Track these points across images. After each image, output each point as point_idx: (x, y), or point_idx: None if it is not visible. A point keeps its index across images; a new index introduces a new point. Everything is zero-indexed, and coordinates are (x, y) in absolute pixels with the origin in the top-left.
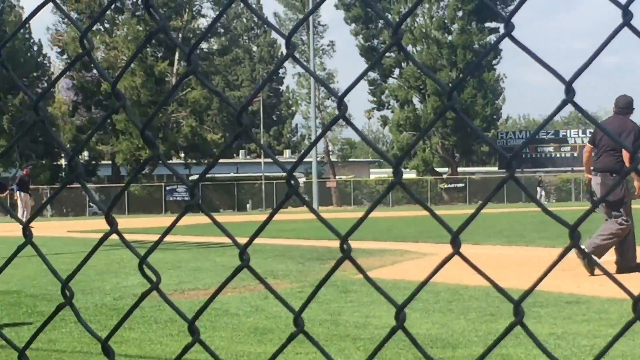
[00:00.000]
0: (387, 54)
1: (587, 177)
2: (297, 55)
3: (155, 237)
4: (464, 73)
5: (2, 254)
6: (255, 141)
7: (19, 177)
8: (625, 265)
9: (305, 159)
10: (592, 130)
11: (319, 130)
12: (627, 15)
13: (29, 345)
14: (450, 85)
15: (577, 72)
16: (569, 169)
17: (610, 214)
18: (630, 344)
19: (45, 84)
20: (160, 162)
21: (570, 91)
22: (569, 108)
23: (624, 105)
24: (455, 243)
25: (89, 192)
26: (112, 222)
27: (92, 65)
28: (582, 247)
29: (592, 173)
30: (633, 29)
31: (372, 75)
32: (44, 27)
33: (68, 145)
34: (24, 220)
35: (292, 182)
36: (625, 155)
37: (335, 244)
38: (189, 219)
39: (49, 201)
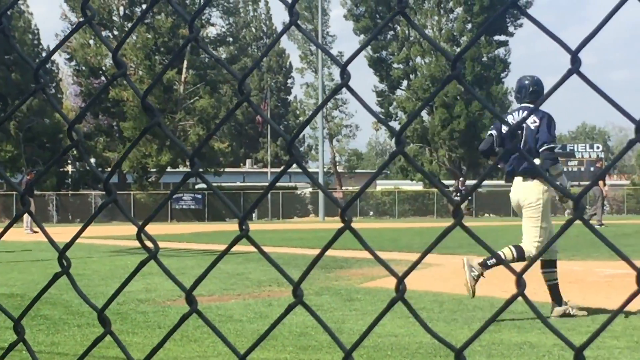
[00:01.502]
0: (396, 66)
1: None
2: (305, 66)
3: (161, 244)
4: (471, 41)
5: (6, 257)
6: (256, 110)
7: (25, 182)
8: None
9: (312, 169)
10: (599, 145)
11: (327, 141)
12: None
13: (24, 316)
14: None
15: (584, 41)
16: (576, 183)
17: None
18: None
19: (54, 90)
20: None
21: (576, 61)
22: (577, 122)
23: None
24: (457, 214)
25: (87, 160)
26: (110, 191)
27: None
28: None
29: None
30: None
31: (380, 86)
32: (53, 33)
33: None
34: (29, 225)
35: (294, 151)
36: None
37: (340, 253)
38: (194, 227)
39: (42, 175)
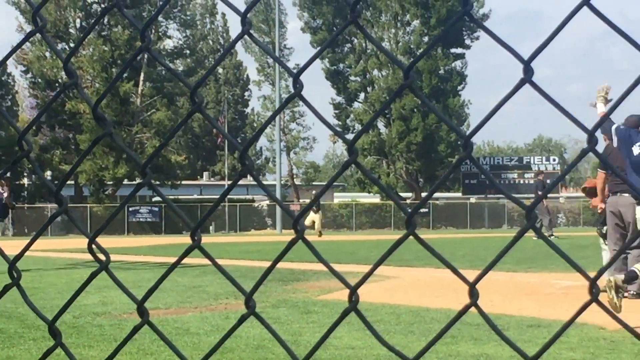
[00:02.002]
0: (353, 78)
1: (600, 207)
2: (262, 78)
3: (118, 257)
4: (426, 49)
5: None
6: (209, 119)
7: None
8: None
9: (270, 182)
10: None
11: (284, 154)
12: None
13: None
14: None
15: (536, 51)
16: (532, 195)
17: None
18: None
19: (10, 103)
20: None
21: (528, 70)
22: (533, 135)
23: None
24: (410, 223)
25: (38, 171)
26: (61, 202)
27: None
28: (632, 292)
29: (613, 195)
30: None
31: (338, 99)
32: (9, 45)
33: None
34: None
35: (246, 162)
36: None
37: (298, 265)
38: (151, 240)
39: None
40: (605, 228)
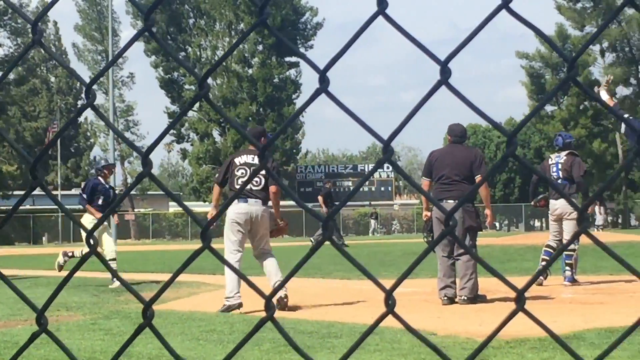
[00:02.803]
0: (187, 87)
1: (425, 215)
2: (95, 87)
3: None
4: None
5: None
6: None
7: None
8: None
9: None
10: (389, 166)
11: (118, 163)
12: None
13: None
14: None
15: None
16: (367, 203)
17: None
18: None
19: None
20: None
21: (446, 72)
22: (367, 143)
23: (461, 134)
24: (326, 227)
25: None
26: None
27: None
28: (463, 297)
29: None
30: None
31: (172, 107)
32: None
33: None
34: None
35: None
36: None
37: (134, 276)
38: None
39: None
40: (432, 235)
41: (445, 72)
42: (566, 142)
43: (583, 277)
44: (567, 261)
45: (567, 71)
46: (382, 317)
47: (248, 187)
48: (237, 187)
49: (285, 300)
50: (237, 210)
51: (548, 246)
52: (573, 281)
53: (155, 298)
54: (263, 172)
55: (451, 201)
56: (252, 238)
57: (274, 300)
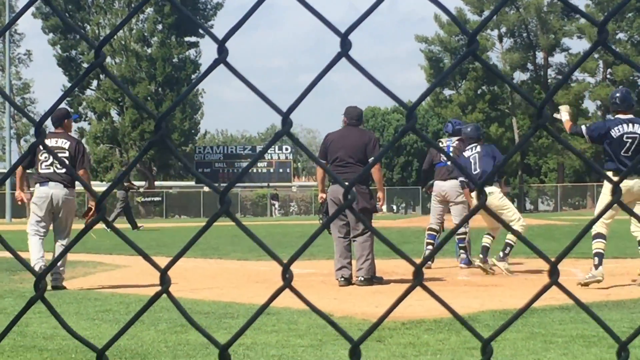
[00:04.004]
0: (85, 66)
1: (321, 197)
2: None
3: None
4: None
5: None
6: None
7: None
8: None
9: (0, 170)
10: (288, 147)
11: (14, 142)
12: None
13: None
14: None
15: (353, 25)
16: (265, 184)
17: (359, 227)
18: None
19: None
20: None
21: (346, 44)
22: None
23: (357, 117)
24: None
25: None
26: None
27: None
28: (360, 278)
29: (333, 185)
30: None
31: (69, 85)
32: None
33: None
34: None
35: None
36: (375, 166)
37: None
38: None
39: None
40: (326, 217)
41: (346, 45)
42: (456, 128)
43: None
44: (460, 245)
45: (467, 46)
46: (279, 291)
47: (51, 170)
48: (42, 171)
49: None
50: (38, 194)
51: (431, 229)
52: (469, 263)
53: (48, 270)
54: (67, 154)
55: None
56: (54, 220)
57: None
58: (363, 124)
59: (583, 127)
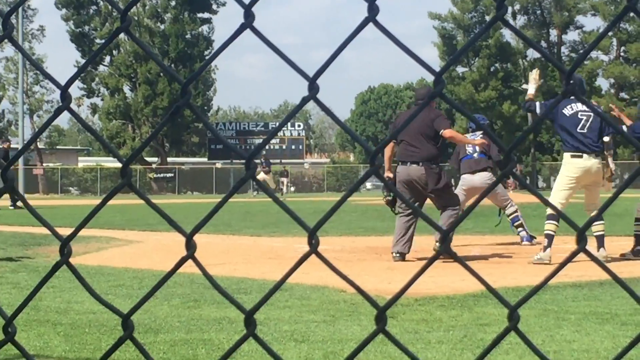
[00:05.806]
0: (98, 41)
1: (387, 175)
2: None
3: None
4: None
5: None
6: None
7: None
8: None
9: (13, 146)
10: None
11: (27, 117)
12: (372, 11)
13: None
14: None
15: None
16: (278, 161)
17: (442, 203)
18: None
19: None
20: None
21: (373, 9)
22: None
23: (422, 97)
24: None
25: None
26: None
27: None
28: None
29: (404, 165)
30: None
31: (82, 62)
32: None
33: None
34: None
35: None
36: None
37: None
38: None
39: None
40: (391, 194)
41: (373, 9)
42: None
43: (493, 238)
44: (515, 223)
45: (496, 10)
46: (305, 257)
47: None
48: None
49: None
50: None
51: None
52: (531, 239)
53: (73, 235)
54: None
55: (414, 165)
56: None
57: None
58: (435, 103)
59: (537, 104)
